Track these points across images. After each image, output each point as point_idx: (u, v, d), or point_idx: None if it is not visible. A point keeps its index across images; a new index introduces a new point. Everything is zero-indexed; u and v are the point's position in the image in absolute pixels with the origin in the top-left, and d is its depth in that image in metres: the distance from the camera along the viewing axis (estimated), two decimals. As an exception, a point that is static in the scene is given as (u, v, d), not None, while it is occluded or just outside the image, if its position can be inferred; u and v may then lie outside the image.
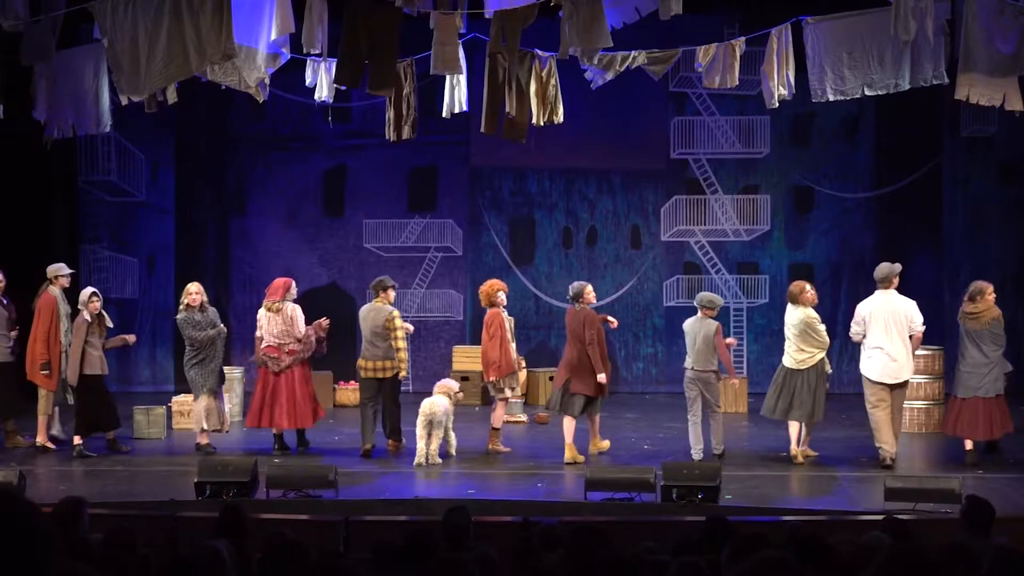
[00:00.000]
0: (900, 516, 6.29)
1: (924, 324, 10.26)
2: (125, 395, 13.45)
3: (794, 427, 10.35)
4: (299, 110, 14.92)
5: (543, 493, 9.10)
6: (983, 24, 9.61)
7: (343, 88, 11.21)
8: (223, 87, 11.02)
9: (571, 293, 10.72)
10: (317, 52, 10.31)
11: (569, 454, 10.33)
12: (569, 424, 10.44)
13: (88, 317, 10.76)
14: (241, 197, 16.18)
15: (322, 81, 11.48)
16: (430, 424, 10.24)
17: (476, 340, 15.22)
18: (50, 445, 10.98)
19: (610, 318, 11.06)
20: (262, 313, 11.02)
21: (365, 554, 4.87)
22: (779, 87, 10.68)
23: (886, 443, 10.09)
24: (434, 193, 16.08)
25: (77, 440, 10.63)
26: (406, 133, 11.63)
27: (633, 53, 11.24)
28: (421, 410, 10.28)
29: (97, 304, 10.86)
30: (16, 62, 10.35)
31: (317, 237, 16.11)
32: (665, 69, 11.53)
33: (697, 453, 10.30)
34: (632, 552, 4.87)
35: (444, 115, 11.79)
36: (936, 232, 15.45)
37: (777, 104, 10.89)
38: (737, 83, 11.14)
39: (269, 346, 10.87)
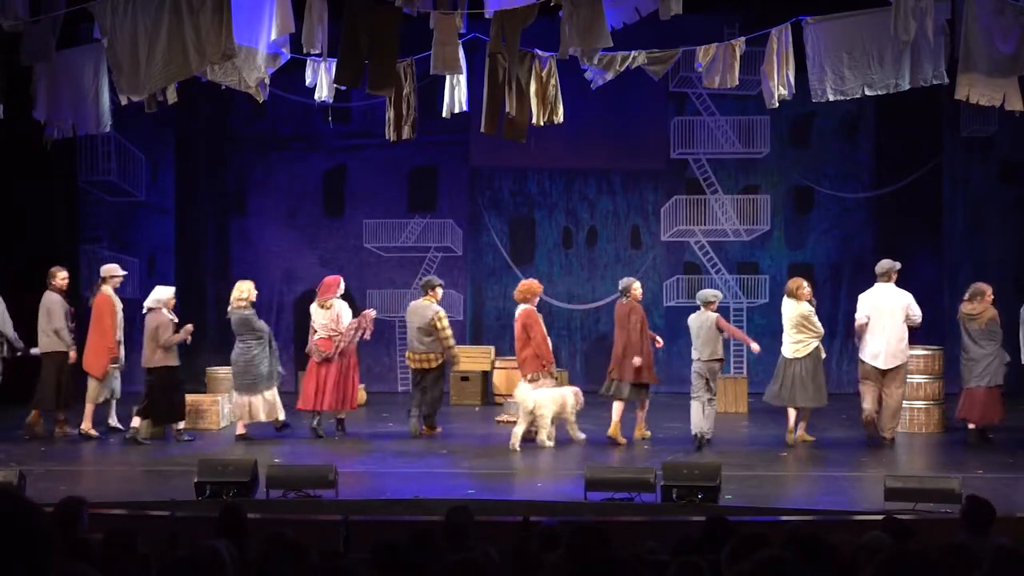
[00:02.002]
0: (900, 516, 6.28)
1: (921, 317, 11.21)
2: (127, 395, 13.44)
3: (793, 413, 11.15)
4: (299, 110, 14.90)
5: (543, 493, 9.09)
6: (983, 24, 9.61)
7: (343, 88, 11.22)
8: (223, 87, 11.03)
9: (620, 288, 11.55)
10: (317, 52, 10.32)
11: (613, 431, 11.20)
12: (618, 407, 11.26)
13: (168, 313, 11.43)
14: (241, 197, 16.18)
15: (322, 81, 11.49)
16: (527, 414, 11.01)
17: (476, 340, 15.26)
18: (93, 432, 11.54)
19: (658, 338, 11.83)
20: (314, 308, 11.78)
21: (365, 554, 4.86)
22: (779, 87, 10.69)
23: (867, 407, 11.12)
24: (434, 193, 16.07)
25: (136, 423, 11.28)
26: (406, 133, 11.64)
27: (633, 53, 11.24)
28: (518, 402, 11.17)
29: (172, 301, 11.60)
30: (16, 62, 10.35)
31: (317, 237, 16.11)
32: (665, 69, 11.54)
33: (696, 428, 10.98)
34: (632, 552, 4.87)
35: (444, 115, 11.80)
36: (936, 232, 15.44)
37: (777, 104, 10.90)
38: (737, 83, 11.16)
39: (320, 338, 11.66)
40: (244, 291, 11.68)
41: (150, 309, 11.47)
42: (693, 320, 11.22)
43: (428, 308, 11.74)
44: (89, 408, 11.59)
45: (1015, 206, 15.28)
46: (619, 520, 7.63)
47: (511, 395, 13.74)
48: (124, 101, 10.27)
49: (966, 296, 11.38)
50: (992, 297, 11.29)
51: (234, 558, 4.04)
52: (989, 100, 9.78)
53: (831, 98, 10.53)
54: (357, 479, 9.43)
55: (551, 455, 10.85)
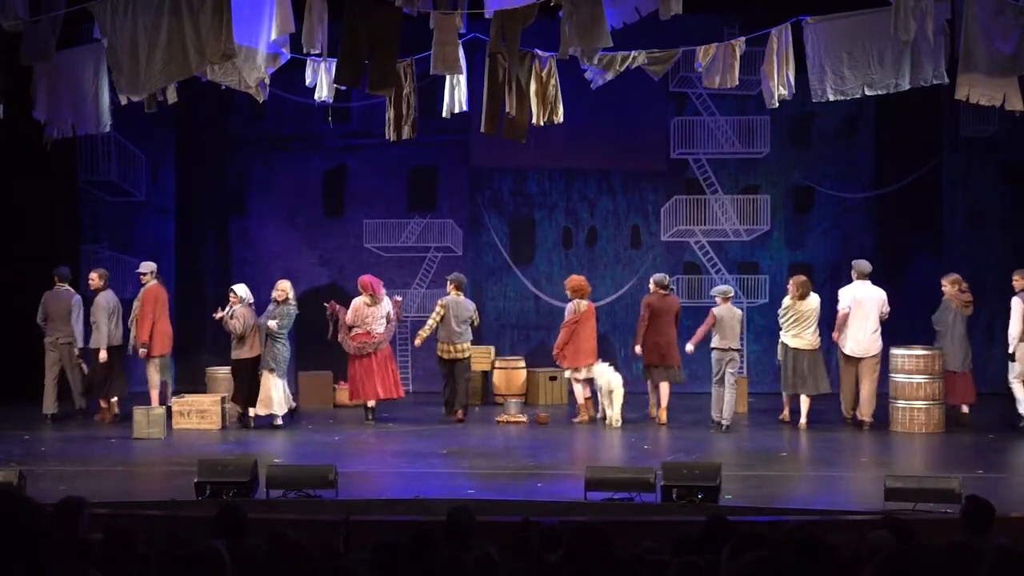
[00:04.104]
0: (900, 516, 6.27)
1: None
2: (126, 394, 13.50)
3: (807, 401, 12.16)
4: (299, 110, 14.89)
5: (543, 493, 9.09)
6: (983, 24, 9.61)
7: (343, 88, 11.21)
8: (223, 87, 11.03)
9: (667, 282, 12.75)
10: (317, 52, 10.31)
11: (664, 416, 12.47)
12: (667, 389, 12.61)
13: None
14: (241, 197, 16.17)
15: (322, 81, 11.49)
16: (610, 394, 12.33)
17: (476, 340, 15.22)
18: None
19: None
20: (360, 304, 12.67)
21: (365, 554, 4.86)
22: (779, 87, 10.69)
23: (847, 406, 12.26)
24: (434, 193, 16.07)
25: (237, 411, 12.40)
26: (406, 133, 11.64)
27: (633, 53, 11.25)
28: (601, 383, 12.41)
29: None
30: (16, 62, 10.35)
31: (317, 237, 16.10)
32: (665, 69, 11.55)
33: (720, 419, 12.03)
34: (632, 552, 4.87)
35: (444, 115, 11.81)
36: (936, 232, 15.44)
37: (777, 104, 10.90)
38: (737, 83, 11.16)
39: (360, 332, 12.60)
40: (284, 290, 12.51)
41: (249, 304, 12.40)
42: (722, 312, 12.24)
43: (467, 302, 13.10)
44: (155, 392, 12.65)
45: (1015, 206, 15.26)
46: (619, 520, 7.63)
47: (511, 395, 13.80)
48: (124, 101, 10.26)
49: (962, 284, 12.28)
50: None
51: (233, 558, 4.04)
52: (989, 100, 9.78)
53: (831, 98, 10.53)
54: (357, 479, 9.42)
55: (551, 455, 10.85)
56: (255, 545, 4.88)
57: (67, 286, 12.79)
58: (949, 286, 12.31)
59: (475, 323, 13.26)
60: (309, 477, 8.73)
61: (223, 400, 12.54)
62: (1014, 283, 11.88)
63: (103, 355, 12.39)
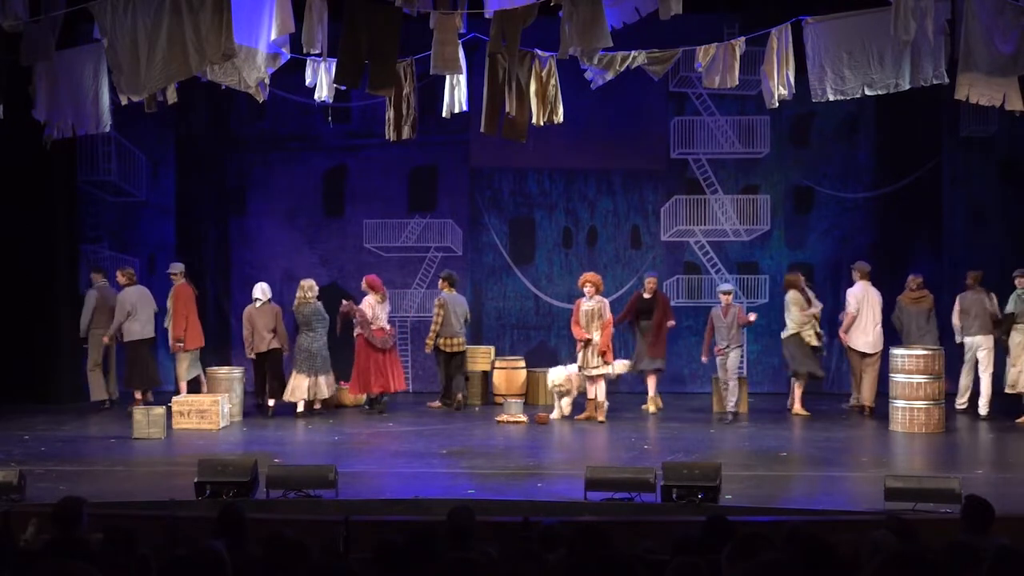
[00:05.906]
0: (901, 516, 6.27)
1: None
2: (126, 394, 13.52)
3: (798, 387, 13.15)
4: (299, 110, 14.90)
5: (543, 493, 9.10)
6: (983, 24, 9.61)
7: (343, 88, 11.21)
8: (223, 87, 11.03)
9: (654, 285, 13.62)
10: (317, 52, 10.32)
11: (654, 406, 13.35)
12: (654, 381, 13.50)
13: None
14: (241, 197, 16.16)
15: (322, 81, 11.49)
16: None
17: (476, 340, 15.25)
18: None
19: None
20: (374, 302, 13.36)
21: (365, 554, 4.86)
22: (779, 87, 10.69)
23: (855, 397, 13.14)
24: (434, 193, 16.06)
25: (272, 403, 13.22)
26: (406, 133, 11.65)
27: (633, 53, 11.25)
28: (619, 371, 13.25)
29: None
30: (16, 62, 10.35)
31: (317, 237, 16.09)
32: (665, 69, 11.55)
33: (727, 410, 12.90)
34: (632, 552, 4.88)
35: (444, 115, 11.81)
36: (936, 232, 15.43)
37: (777, 104, 10.90)
38: (737, 83, 11.16)
39: (377, 329, 13.34)
40: (312, 288, 13.32)
41: (267, 301, 13.29)
42: (716, 311, 13.00)
43: (461, 297, 13.94)
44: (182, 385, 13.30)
45: (1015, 206, 15.25)
46: (619, 520, 7.63)
47: (511, 395, 13.81)
48: (124, 101, 10.27)
49: (915, 284, 13.11)
50: None
51: (233, 558, 4.04)
52: (989, 100, 9.78)
53: (831, 98, 10.53)
54: (357, 479, 9.42)
55: (551, 455, 10.85)
56: (255, 545, 4.88)
57: (104, 283, 13.59)
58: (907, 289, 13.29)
59: (467, 321, 13.95)
60: (309, 477, 8.73)
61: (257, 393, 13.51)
62: (968, 283, 13.01)
63: (104, 339, 13.16)
